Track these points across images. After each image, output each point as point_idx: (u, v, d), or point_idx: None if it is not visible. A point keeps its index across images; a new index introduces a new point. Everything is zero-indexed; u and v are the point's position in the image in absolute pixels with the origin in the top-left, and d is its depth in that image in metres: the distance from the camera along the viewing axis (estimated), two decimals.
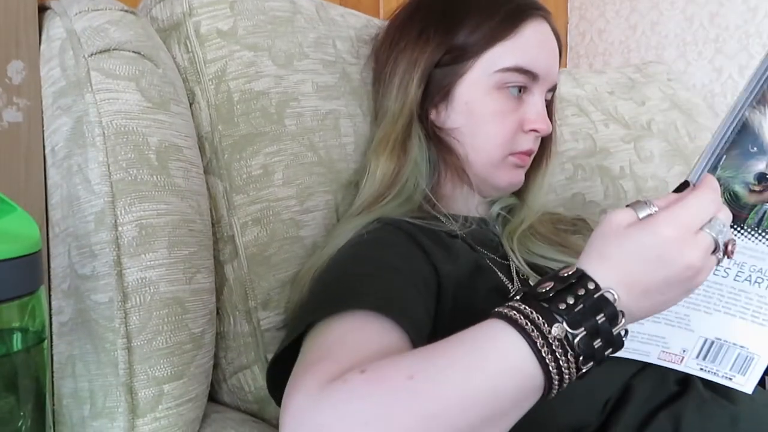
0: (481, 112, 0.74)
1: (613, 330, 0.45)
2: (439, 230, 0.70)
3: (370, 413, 0.42)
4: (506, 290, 0.69)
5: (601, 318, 0.45)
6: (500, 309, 0.46)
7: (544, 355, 0.43)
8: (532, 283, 0.70)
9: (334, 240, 0.69)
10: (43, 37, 0.67)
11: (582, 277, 0.46)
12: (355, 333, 0.52)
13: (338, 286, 0.61)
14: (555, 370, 0.44)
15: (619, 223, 0.48)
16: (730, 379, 0.57)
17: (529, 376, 0.44)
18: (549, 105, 0.81)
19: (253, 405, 0.74)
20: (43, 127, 0.66)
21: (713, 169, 0.52)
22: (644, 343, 0.57)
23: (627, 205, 0.49)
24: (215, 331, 0.70)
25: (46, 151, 0.66)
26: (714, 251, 0.47)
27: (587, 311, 0.45)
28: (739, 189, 0.52)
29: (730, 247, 0.48)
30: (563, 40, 1.71)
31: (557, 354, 0.43)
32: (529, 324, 0.44)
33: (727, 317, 0.55)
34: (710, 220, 0.47)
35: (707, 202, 0.47)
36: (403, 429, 0.41)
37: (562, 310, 0.45)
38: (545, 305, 0.45)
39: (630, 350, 0.57)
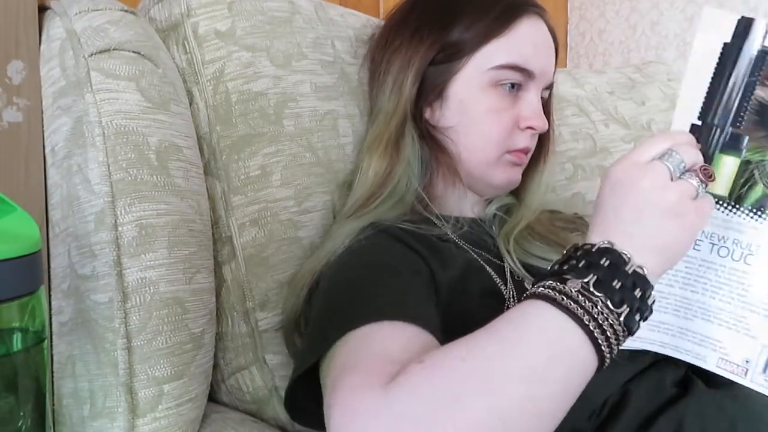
0: (476, 109, 0.74)
1: (626, 269, 0.48)
2: (430, 234, 0.70)
3: (436, 396, 0.44)
4: (499, 292, 0.69)
5: (605, 261, 0.48)
6: (540, 290, 0.49)
7: (571, 308, 0.46)
8: (526, 285, 0.70)
9: (329, 243, 0.69)
10: (43, 37, 0.67)
11: (577, 246, 0.51)
12: (394, 339, 0.53)
13: (356, 297, 0.60)
14: (587, 317, 0.46)
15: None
16: None
17: (567, 333, 0.46)
18: (546, 103, 0.81)
19: (251, 405, 0.74)
20: (43, 127, 0.66)
21: (732, 147, 0.53)
22: (698, 344, 0.56)
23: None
24: (215, 331, 0.70)
25: (46, 151, 0.66)
26: (672, 178, 0.51)
27: (590, 262, 0.49)
28: None
29: (701, 173, 0.51)
30: (563, 40, 1.71)
31: (582, 303, 0.46)
32: (547, 290, 0.48)
33: None
34: (666, 155, 0.51)
35: (657, 142, 0.52)
36: (472, 405, 0.43)
37: (567, 269, 0.49)
38: (555, 275, 0.49)
39: (681, 350, 0.56)
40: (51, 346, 0.65)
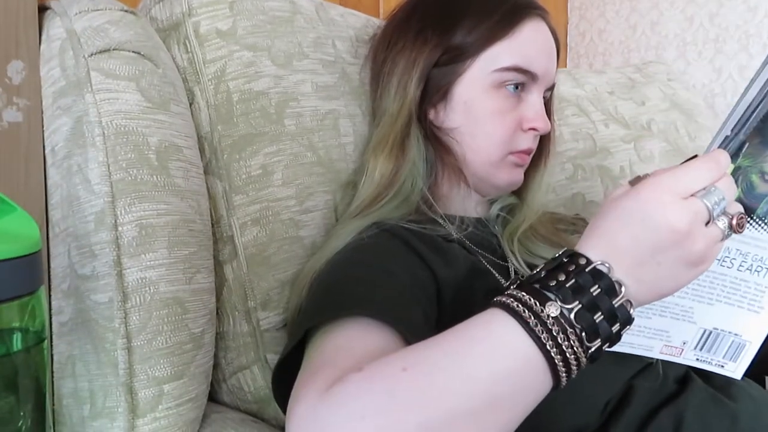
0: (480, 110, 0.74)
1: (614, 302, 0.44)
2: (435, 235, 0.70)
3: (368, 407, 0.42)
4: (503, 292, 0.69)
5: (596, 290, 0.44)
6: (495, 298, 0.46)
7: (539, 334, 0.42)
8: None
9: (333, 242, 0.69)
10: (43, 37, 0.67)
11: (573, 255, 0.46)
12: (355, 339, 0.52)
13: (337, 291, 0.61)
14: (555, 350, 0.42)
15: (613, 197, 0.47)
16: (722, 366, 0.57)
17: (527, 359, 0.43)
18: (547, 104, 0.81)
19: (253, 405, 0.74)
20: (43, 127, 0.66)
21: (734, 154, 0.50)
22: (649, 338, 0.57)
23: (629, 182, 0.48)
24: (215, 331, 0.70)
25: (46, 151, 0.66)
26: (709, 222, 0.45)
27: (579, 285, 0.44)
28: (755, 178, 0.52)
29: (735, 221, 0.46)
30: (563, 40, 1.71)
31: (554, 332, 0.42)
32: (520, 306, 0.44)
33: (727, 307, 0.55)
34: (707, 189, 0.45)
35: (703, 170, 0.45)
36: (401, 419, 0.41)
37: (552, 286, 0.44)
38: (536, 286, 0.45)
39: (635, 345, 0.57)
40: (51, 346, 0.65)
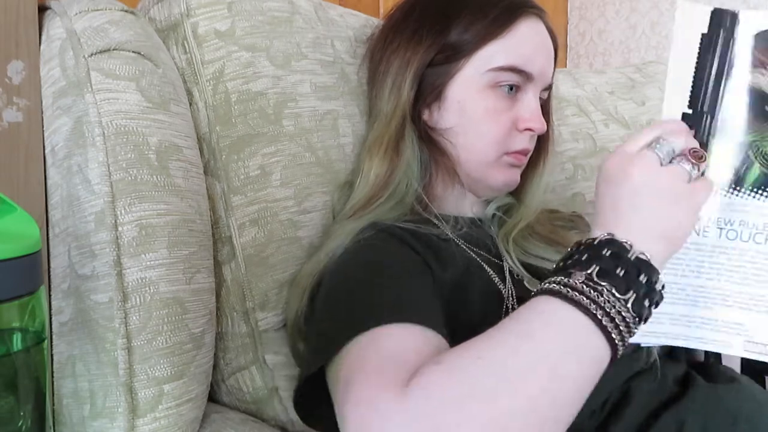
0: (474, 110, 0.74)
1: (629, 256, 0.49)
2: (431, 234, 0.70)
3: (459, 394, 0.44)
4: (498, 291, 0.69)
5: (606, 252, 0.49)
6: (546, 285, 0.49)
7: (578, 300, 0.47)
8: (526, 284, 0.70)
9: (330, 243, 0.69)
10: (43, 37, 0.67)
11: (578, 242, 0.52)
12: (403, 341, 0.53)
13: (361, 300, 0.60)
14: (594, 306, 0.47)
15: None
16: None
17: (578, 324, 0.47)
18: (545, 104, 0.81)
19: (251, 405, 0.74)
20: (43, 127, 0.66)
21: (705, 130, 0.55)
22: (721, 331, 0.56)
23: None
24: (215, 331, 0.70)
25: (46, 151, 0.66)
26: (662, 164, 0.52)
27: (591, 254, 0.50)
28: None
29: (690, 154, 0.52)
30: (563, 40, 1.71)
31: (588, 294, 0.47)
32: (553, 285, 0.49)
33: None
34: (654, 143, 0.53)
35: (647, 131, 0.54)
36: (492, 404, 0.44)
37: (569, 264, 0.50)
38: (559, 272, 0.50)
39: (707, 341, 0.57)
40: (51, 346, 0.65)
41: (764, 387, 0.74)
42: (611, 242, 0.50)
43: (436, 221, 0.72)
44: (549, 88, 0.80)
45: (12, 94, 0.64)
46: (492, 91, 0.74)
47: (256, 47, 0.75)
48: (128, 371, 0.60)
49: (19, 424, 0.47)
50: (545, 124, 0.77)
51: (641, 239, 0.50)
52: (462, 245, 0.72)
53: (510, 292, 0.69)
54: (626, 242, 0.50)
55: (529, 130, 0.75)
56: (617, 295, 0.47)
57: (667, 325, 0.56)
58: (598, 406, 0.63)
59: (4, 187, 0.62)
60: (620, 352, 0.48)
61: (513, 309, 0.67)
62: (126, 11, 0.68)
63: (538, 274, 0.71)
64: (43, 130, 0.66)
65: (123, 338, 0.60)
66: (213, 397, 0.75)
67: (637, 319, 0.48)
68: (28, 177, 0.65)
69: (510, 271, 0.72)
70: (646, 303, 0.49)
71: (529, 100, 0.75)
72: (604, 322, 0.46)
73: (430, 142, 0.76)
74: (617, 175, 0.52)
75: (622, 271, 0.48)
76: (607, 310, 0.47)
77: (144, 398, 0.61)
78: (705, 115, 0.55)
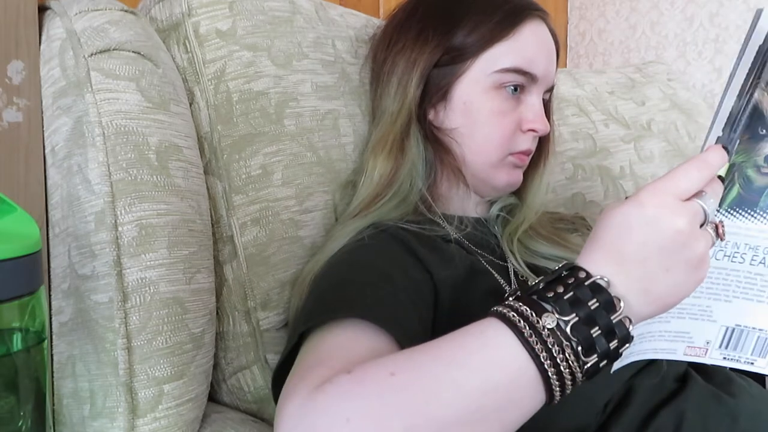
0: (480, 111, 0.74)
1: (612, 317, 0.43)
2: (434, 235, 0.70)
3: (353, 410, 0.42)
4: (503, 292, 0.69)
5: (594, 304, 0.43)
6: (492, 308, 0.46)
7: (533, 345, 0.42)
8: (530, 285, 0.70)
9: (332, 243, 0.69)
10: (43, 37, 0.67)
11: (573, 269, 0.45)
12: (348, 341, 0.52)
13: (333, 294, 0.61)
14: (549, 362, 0.42)
15: (609, 208, 0.47)
16: (752, 363, 0.56)
17: (520, 371, 0.42)
18: (547, 105, 0.81)
19: (253, 405, 0.74)
20: (43, 127, 0.66)
21: (730, 153, 0.50)
22: (671, 341, 0.56)
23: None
24: (215, 331, 0.70)
25: (46, 151, 0.66)
26: (703, 224, 0.46)
27: (577, 298, 0.43)
28: (751, 173, 0.52)
29: (721, 228, 0.48)
30: (563, 40, 1.71)
31: (549, 344, 0.42)
32: (516, 315, 0.43)
33: (745, 302, 0.54)
34: (701, 194, 0.46)
35: (695, 172, 0.46)
36: (385, 424, 0.41)
37: (550, 298, 0.44)
38: (534, 297, 0.44)
39: (659, 350, 0.57)
40: (51, 346, 0.65)
41: (764, 386, 0.74)
42: (603, 292, 0.44)
43: (440, 221, 0.72)
44: (551, 89, 0.80)
45: (12, 94, 0.64)
46: (497, 92, 0.74)
47: (258, 47, 0.75)
48: (128, 371, 0.60)
49: (19, 424, 0.47)
50: (548, 125, 0.77)
51: (638, 299, 0.45)
52: (466, 246, 0.72)
53: (512, 291, 0.69)
54: (619, 300, 0.44)
55: (533, 131, 0.76)
56: (580, 355, 0.42)
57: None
58: (601, 405, 0.63)
59: (4, 187, 0.62)
60: (555, 402, 0.43)
61: None
62: (126, 11, 0.68)
63: (543, 273, 0.71)
64: (43, 130, 0.66)
65: (123, 338, 0.60)
66: (213, 397, 0.75)
67: (585, 378, 0.43)
68: (28, 177, 0.65)
69: (515, 271, 0.72)
70: (602, 365, 0.44)
71: (533, 102, 0.76)
72: (549, 374, 0.42)
73: (435, 141, 0.76)
74: (658, 219, 0.44)
75: (597, 332, 0.43)
76: (559, 363, 0.42)
77: (144, 398, 0.61)
78: (734, 142, 0.50)
